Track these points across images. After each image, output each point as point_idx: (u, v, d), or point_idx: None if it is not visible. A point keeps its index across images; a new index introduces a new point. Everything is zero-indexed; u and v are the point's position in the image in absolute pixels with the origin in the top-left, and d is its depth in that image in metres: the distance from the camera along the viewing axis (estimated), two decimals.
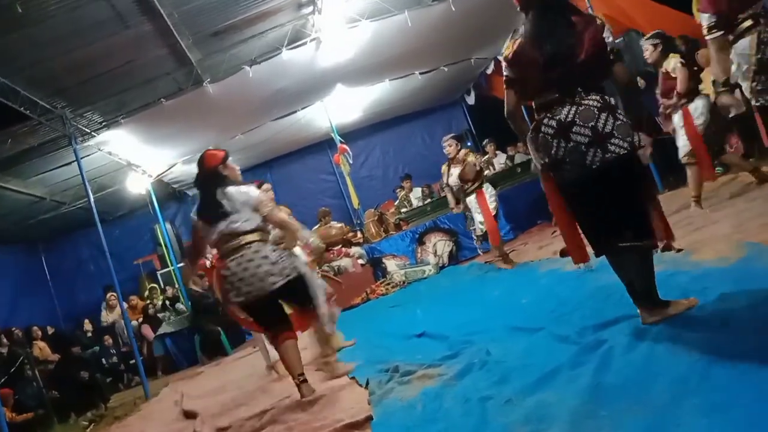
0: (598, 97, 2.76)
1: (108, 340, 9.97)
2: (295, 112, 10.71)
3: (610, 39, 2.80)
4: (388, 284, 9.15)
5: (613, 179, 2.71)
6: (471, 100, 13.16)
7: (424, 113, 13.79)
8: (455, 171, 7.11)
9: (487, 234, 7.10)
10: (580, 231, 2.94)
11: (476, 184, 7.02)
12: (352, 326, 5.69)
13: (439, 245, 9.63)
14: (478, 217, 7.05)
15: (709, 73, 7.37)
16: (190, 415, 4.94)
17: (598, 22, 2.82)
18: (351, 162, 10.53)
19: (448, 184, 7.42)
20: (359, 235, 10.73)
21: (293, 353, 3.98)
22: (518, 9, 2.95)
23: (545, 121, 2.81)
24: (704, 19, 3.50)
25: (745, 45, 3.39)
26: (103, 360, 9.49)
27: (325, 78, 9.38)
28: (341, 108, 10.92)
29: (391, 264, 9.49)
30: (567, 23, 2.78)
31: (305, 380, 3.94)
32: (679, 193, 6.80)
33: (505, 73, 2.98)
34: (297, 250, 4.17)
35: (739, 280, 2.89)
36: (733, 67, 3.50)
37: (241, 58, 8.24)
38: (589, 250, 2.98)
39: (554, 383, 2.58)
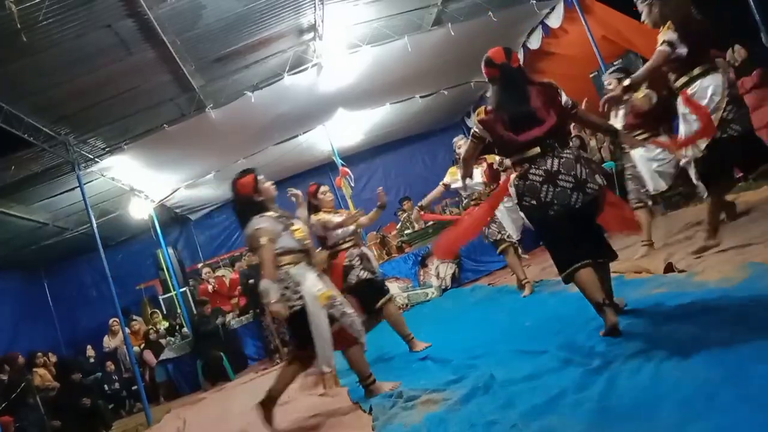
0: (570, 151, 3.40)
1: (110, 366, 9.92)
2: (297, 136, 10.78)
3: (565, 98, 3.44)
4: None
5: (588, 213, 3.39)
6: (471, 123, 13.20)
7: (425, 136, 13.86)
8: (476, 172, 6.22)
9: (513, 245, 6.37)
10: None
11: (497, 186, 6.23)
12: None
13: (441, 267, 9.60)
14: (509, 225, 6.33)
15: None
16: None
17: (554, 86, 3.46)
18: (353, 185, 10.54)
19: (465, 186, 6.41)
20: None
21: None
22: (486, 80, 3.62)
23: (532, 170, 3.37)
24: (665, 35, 3.82)
25: (717, 79, 3.82)
26: (105, 386, 9.45)
27: (327, 102, 9.46)
28: (343, 132, 10.98)
29: (393, 287, 9.45)
30: (527, 93, 3.40)
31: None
32: (680, 215, 6.80)
33: (474, 129, 3.63)
34: (309, 281, 3.91)
35: (744, 301, 2.88)
36: (706, 96, 3.87)
37: (243, 84, 8.32)
38: None
39: (560, 407, 2.56)
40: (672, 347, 2.66)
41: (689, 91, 3.96)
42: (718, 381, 2.16)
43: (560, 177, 3.31)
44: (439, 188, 6.62)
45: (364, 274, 5.24)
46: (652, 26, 4.04)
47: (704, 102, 3.89)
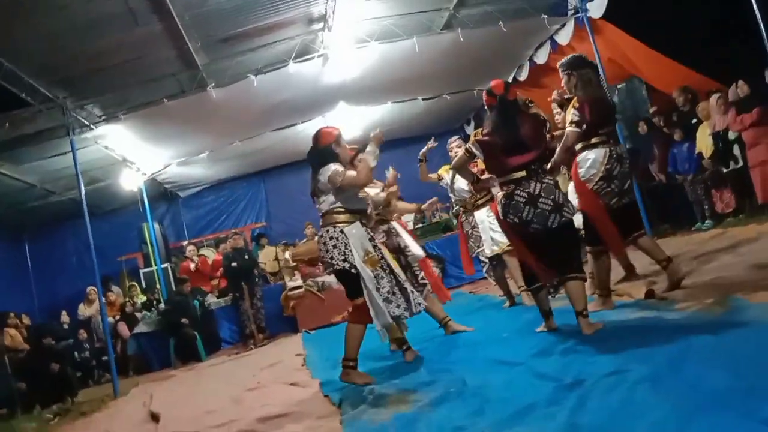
0: (550, 177, 3.95)
1: (83, 334, 9.83)
2: (296, 125, 10.73)
3: (549, 128, 4.19)
4: None
5: (563, 234, 3.88)
6: (470, 130, 13.23)
7: (423, 138, 13.58)
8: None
9: (499, 256, 6.00)
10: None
11: (488, 195, 6.02)
12: (331, 344, 5.65)
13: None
14: (493, 236, 5.93)
15: (708, 126, 7.49)
16: (156, 417, 4.86)
17: (542, 118, 4.13)
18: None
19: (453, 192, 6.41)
20: None
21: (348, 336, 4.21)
22: (485, 106, 4.19)
23: (517, 192, 3.87)
24: (573, 115, 4.30)
25: (600, 154, 4.27)
26: (76, 354, 9.36)
27: (329, 94, 9.44)
28: (341, 125, 10.87)
29: None
30: (520, 123, 3.93)
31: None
32: (667, 242, 6.83)
33: (470, 145, 4.11)
34: (360, 244, 4.12)
35: (722, 333, 2.89)
36: (584, 166, 4.32)
37: (248, 67, 8.27)
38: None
39: (529, 419, 2.56)
40: (647, 371, 2.67)
41: (578, 158, 4.40)
42: (691, 409, 2.16)
43: (541, 200, 3.83)
44: (433, 176, 6.68)
45: (402, 259, 5.17)
46: (568, 92, 4.49)
47: (581, 171, 4.35)
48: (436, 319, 5.34)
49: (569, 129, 4.32)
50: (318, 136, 4.40)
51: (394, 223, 5.43)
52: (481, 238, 6.14)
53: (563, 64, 4.45)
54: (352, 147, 5.15)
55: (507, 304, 6.12)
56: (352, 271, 4.04)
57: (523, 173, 3.87)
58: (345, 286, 4.22)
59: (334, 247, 4.07)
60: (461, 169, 4.42)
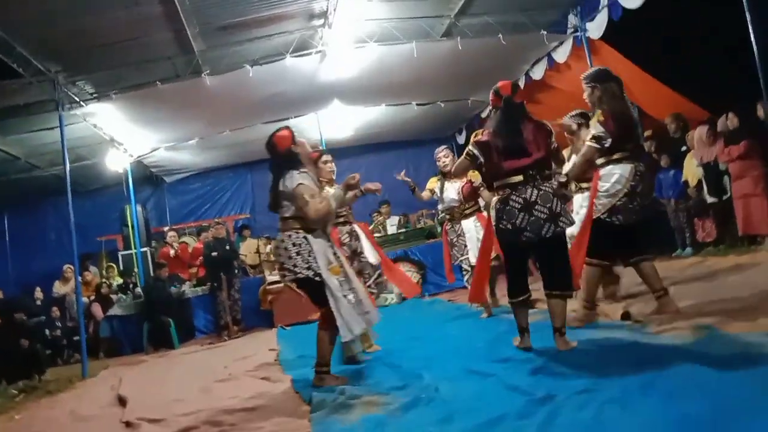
0: (549, 185, 3.80)
1: (56, 311, 9.72)
2: (288, 119, 10.68)
3: (555, 143, 3.92)
4: None
5: (555, 245, 3.83)
6: (461, 139, 13.28)
7: (413, 144, 13.86)
8: (452, 187, 6.21)
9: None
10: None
11: (476, 206, 6.19)
12: (306, 341, 5.62)
13: None
14: (475, 245, 5.84)
15: (693, 156, 7.56)
16: (124, 401, 4.82)
17: (548, 127, 3.90)
18: (334, 179, 10.49)
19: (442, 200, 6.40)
20: None
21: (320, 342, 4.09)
22: (490, 106, 4.07)
23: (513, 197, 3.76)
24: (595, 128, 4.23)
25: (626, 170, 4.21)
26: (47, 331, 9.25)
27: (324, 91, 9.42)
28: (334, 123, 10.94)
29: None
30: (523, 126, 3.80)
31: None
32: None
33: (469, 147, 4.00)
34: (322, 252, 3.96)
35: (694, 359, 2.92)
36: (609, 181, 4.25)
37: (244, 56, 8.25)
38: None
39: (498, 430, 2.57)
40: (618, 390, 2.69)
41: (602, 171, 4.32)
42: (658, 430, 2.18)
43: (536, 207, 3.72)
44: (426, 193, 6.53)
45: (355, 263, 5.20)
46: (590, 105, 4.40)
47: (606, 186, 4.27)
48: None
49: (589, 143, 4.22)
50: (273, 143, 4.16)
51: (356, 226, 5.45)
52: (465, 246, 6.16)
53: (587, 77, 4.35)
54: (315, 150, 5.24)
55: (484, 314, 6.13)
56: (317, 279, 3.89)
57: (520, 178, 3.76)
58: (309, 295, 4.09)
59: (298, 254, 3.89)
60: (460, 173, 4.41)
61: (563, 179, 4.27)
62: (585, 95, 4.36)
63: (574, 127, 5.18)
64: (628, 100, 4.29)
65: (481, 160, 3.93)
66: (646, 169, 4.41)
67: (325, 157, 5.35)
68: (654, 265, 4.45)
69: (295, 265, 3.90)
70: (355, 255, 5.27)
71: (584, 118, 5.33)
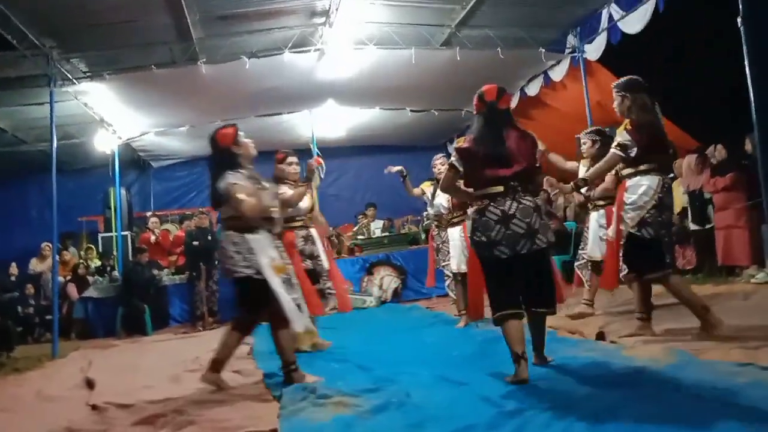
0: (531, 199, 3.55)
1: (30, 289, 9.58)
2: (281, 114, 10.69)
3: (540, 152, 3.71)
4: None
5: (534, 262, 3.54)
6: (452, 149, 13.29)
7: (405, 149, 13.82)
8: (443, 194, 5.97)
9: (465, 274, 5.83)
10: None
11: (464, 215, 5.98)
12: None
13: (386, 279, 9.62)
14: (465, 253, 5.83)
15: (680, 184, 7.64)
16: (92, 384, 4.76)
17: (533, 138, 3.67)
18: (322, 176, 10.45)
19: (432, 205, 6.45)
20: None
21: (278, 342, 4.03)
22: (474, 111, 3.81)
23: (491, 208, 3.51)
24: (621, 136, 4.11)
25: (654, 181, 4.08)
26: (19, 308, 9.13)
27: (319, 90, 9.42)
28: (327, 122, 10.93)
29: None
30: (506, 134, 3.58)
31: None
32: (626, 289, 6.92)
33: (452, 158, 3.75)
34: (264, 250, 3.88)
35: (665, 383, 2.94)
36: (636, 193, 4.12)
37: (242, 48, 8.23)
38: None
39: None
40: (587, 410, 2.70)
41: (628, 182, 4.21)
42: None
43: (514, 221, 3.47)
44: (418, 191, 6.65)
45: (311, 264, 5.25)
46: (619, 114, 4.28)
47: (633, 198, 4.16)
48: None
49: (614, 150, 4.13)
50: (214, 140, 4.05)
51: (313, 231, 5.48)
52: (449, 253, 6.20)
53: (618, 86, 4.27)
54: (284, 151, 5.40)
55: (461, 323, 6.14)
56: (257, 276, 3.80)
57: (500, 189, 3.51)
58: (250, 296, 3.95)
59: (238, 252, 3.83)
60: (450, 189, 3.96)
61: (581, 182, 4.33)
62: (615, 104, 4.28)
63: (571, 189, 4.85)
64: (658, 112, 4.21)
65: (461, 169, 3.69)
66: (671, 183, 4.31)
67: (290, 159, 5.41)
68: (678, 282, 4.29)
69: (234, 264, 3.84)
70: (312, 258, 5.31)
71: (600, 135, 5.41)
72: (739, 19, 4.47)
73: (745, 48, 4.47)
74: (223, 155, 4.03)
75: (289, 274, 3.99)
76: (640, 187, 4.11)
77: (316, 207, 5.55)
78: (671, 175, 4.31)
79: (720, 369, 3.12)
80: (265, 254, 3.86)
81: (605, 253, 5.21)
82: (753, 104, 4.42)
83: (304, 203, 5.30)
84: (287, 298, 3.82)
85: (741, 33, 4.49)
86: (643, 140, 4.05)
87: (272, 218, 4.03)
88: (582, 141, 5.62)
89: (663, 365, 3.36)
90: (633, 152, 4.07)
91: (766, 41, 4.38)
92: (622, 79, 4.32)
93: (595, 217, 5.61)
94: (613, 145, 4.18)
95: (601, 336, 4.50)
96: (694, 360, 3.36)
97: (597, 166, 4.44)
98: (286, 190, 5.08)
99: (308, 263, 5.27)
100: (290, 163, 5.40)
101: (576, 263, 5.88)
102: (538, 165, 3.70)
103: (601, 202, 5.48)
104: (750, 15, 4.41)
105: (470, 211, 3.75)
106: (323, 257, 5.44)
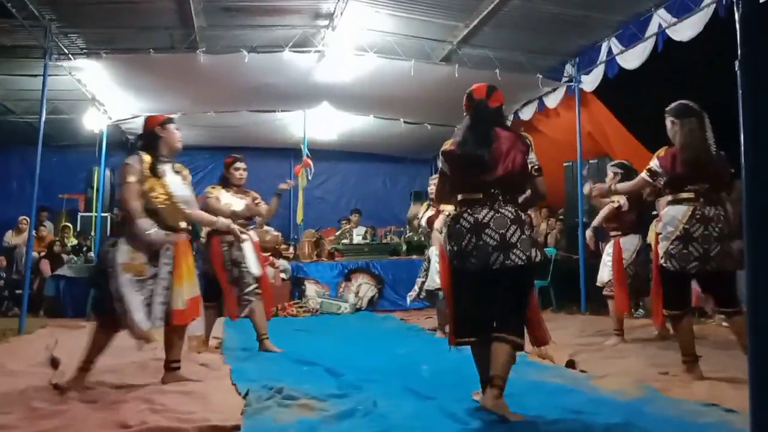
0: (512, 209, 3.16)
1: (2, 261, 9.45)
2: (274, 111, 10.67)
3: (533, 158, 3.28)
4: (301, 307, 9.06)
5: (505, 282, 3.15)
6: (440, 163, 13.35)
7: (394, 159, 13.94)
8: (427, 214, 6.33)
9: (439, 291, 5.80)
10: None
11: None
12: (253, 334, 5.56)
13: (363, 287, 9.60)
14: (434, 272, 5.96)
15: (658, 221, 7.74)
16: (56, 363, 4.70)
17: (526, 141, 3.30)
18: (310, 178, 10.48)
19: (419, 224, 6.56)
20: (291, 249, 10.66)
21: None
22: (464, 112, 3.45)
23: (465, 215, 3.18)
24: (653, 162, 4.11)
25: (680, 211, 3.95)
26: None
27: (316, 91, 9.41)
28: (320, 125, 10.93)
29: (311, 288, 9.39)
30: (494, 136, 3.22)
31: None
32: (599, 320, 6.98)
33: (440, 166, 3.50)
34: (122, 248, 3.85)
35: (629, 417, 2.96)
36: (664, 222, 4.06)
37: (243, 41, 8.20)
38: None
39: None
40: None
41: (663, 211, 4.19)
42: None
43: (486, 231, 3.10)
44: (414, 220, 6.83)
45: (235, 271, 5.23)
46: (671, 138, 4.14)
47: (660, 227, 4.12)
48: (257, 331, 5.47)
49: (642, 174, 4.13)
50: (144, 120, 4.09)
51: (247, 237, 5.35)
52: (426, 271, 6.36)
53: (669, 111, 4.16)
54: (234, 156, 5.50)
55: (438, 333, 6.19)
56: (109, 269, 3.81)
57: (479, 195, 3.18)
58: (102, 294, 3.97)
59: (111, 246, 3.86)
60: (444, 198, 3.66)
61: (614, 192, 4.37)
62: (668, 129, 4.18)
63: (605, 192, 5.17)
64: (709, 138, 4.02)
65: (449, 174, 3.40)
66: (720, 216, 3.98)
67: (237, 164, 5.42)
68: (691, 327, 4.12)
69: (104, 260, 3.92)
70: (235, 264, 5.26)
71: (622, 168, 5.48)
72: (736, 63, 4.54)
73: (740, 93, 4.54)
74: (144, 136, 4.02)
75: (144, 275, 3.89)
76: (668, 217, 4.03)
77: (265, 220, 5.53)
78: (714, 205, 4.00)
79: (686, 407, 3.15)
80: (127, 254, 3.81)
81: (612, 279, 5.54)
82: (743, 154, 4.47)
83: (238, 207, 5.31)
84: (132, 301, 3.82)
85: (737, 77, 4.55)
86: (677, 168, 3.97)
87: (157, 212, 3.86)
88: (608, 172, 5.75)
89: (630, 398, 3.39)
90: (660, 181, 4.05)
91: (762, 87, 4.45)
92: (674, 104, 4.19)
93: (607, 249, 5.77)
94: (646, 167, 4.15)
95: (571, 364, 4.53)
96: (660, 395, 3.40)
97: (626, 183, 4.47)
98: (230, 200, 5.21)
99: (231, 269, 5.23)
100: (237, 169, 5.41)
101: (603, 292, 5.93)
102: (537, 169, 3.28)
103: (614, 233, 5.64)
104: (747, 61, 4.48)
105: (443, 217, 3.58)
106: (251, 263, 5.32)
